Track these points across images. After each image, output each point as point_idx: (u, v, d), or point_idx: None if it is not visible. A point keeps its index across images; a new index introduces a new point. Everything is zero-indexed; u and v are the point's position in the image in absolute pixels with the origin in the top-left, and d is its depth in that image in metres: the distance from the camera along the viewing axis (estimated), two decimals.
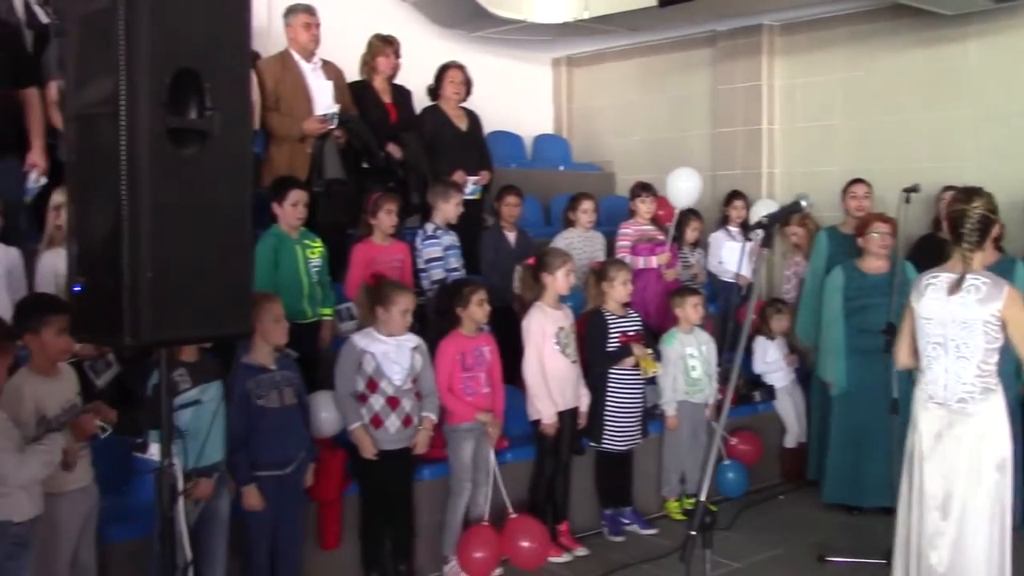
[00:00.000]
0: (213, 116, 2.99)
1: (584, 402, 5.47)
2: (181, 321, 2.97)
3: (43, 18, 5.80)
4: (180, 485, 3.15)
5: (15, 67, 5.05)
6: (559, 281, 5.34)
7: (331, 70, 6.22)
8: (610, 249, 6.94)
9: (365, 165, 6.17)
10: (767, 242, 3.19)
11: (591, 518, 5.79)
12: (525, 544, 4.99)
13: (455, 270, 5.93)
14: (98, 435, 3.67)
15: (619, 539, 5.72)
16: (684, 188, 6.89)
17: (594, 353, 5.54)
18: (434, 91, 6.83)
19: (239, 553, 4.32)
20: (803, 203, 3.37)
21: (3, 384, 3.42)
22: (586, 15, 8.06)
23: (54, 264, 4.67)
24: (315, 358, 5.25)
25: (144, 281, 2.84)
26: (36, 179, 5.06)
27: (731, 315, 7.06)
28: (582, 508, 5.71)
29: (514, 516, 5.05)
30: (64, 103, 5.20)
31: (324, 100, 6.04)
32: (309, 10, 6.07)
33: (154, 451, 3.27)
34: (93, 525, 3.84)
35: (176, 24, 2.92)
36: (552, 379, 5.29)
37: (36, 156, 5.10)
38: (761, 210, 7.13)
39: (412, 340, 4.84)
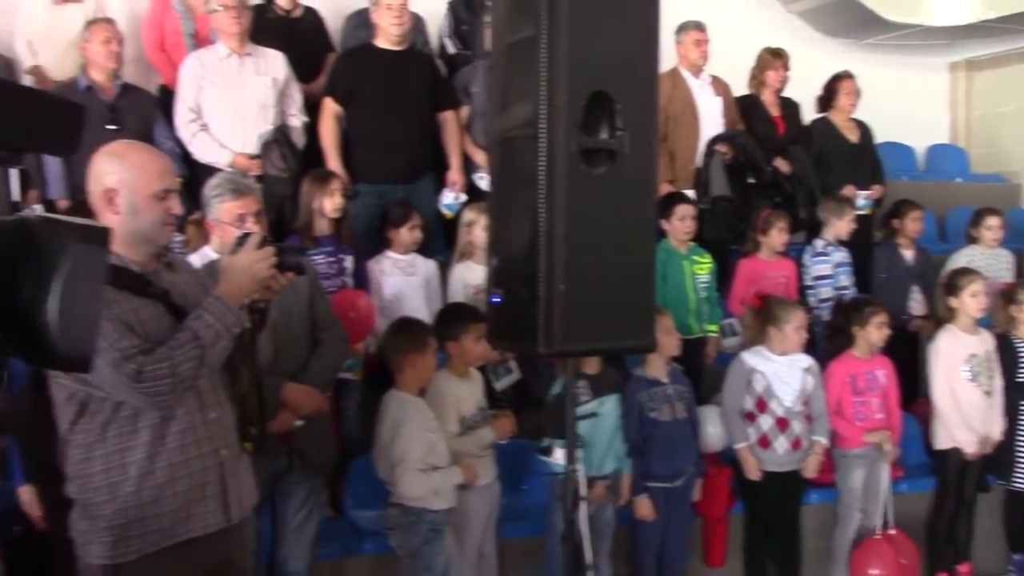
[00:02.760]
0: (623, 136, 3.09)
1: (995, 431, 5.02)
2: (590, 333, 3.08)
3: (451, 49, 6.31)
4: (583, 491, 3.28)
5: (433, 93, 5.52)
6: (967, 304, 4.95)
7: (719, 86, 6.22)
8: (1020, 268, 6.34)
9: (751, 180, 6.10)
10: None
11: (998, 562, 5.29)
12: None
13: (845, 288, 5.70)
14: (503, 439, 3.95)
15: None
16: None
17: (1004, 383, 5.07)
18: (825, 102, 6.61)
19: (627, 562, 4.43)
20: None
21: (429, 377, 3.77)
22: (992, 15, 7.44)
23: (464, 276, 5.04)
24: (699, 374, 5.25)
25: (558, 293, 2.98)
26: (456, 196, 5.49)
27: None
28: (987, 550, 5.24)
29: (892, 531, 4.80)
30: (471, 127, 5.69)
31: (712, 117, 6.06)
32: (699, 27, 6.12)
33: (559, 456, 3.42)
34: (495, 520, 4.10)
35: (592, 49, 3.04)
36: (962, 408, 4.91)
37: (455, 174, 5.54)
38: None
39: (804, 360, 4.70)
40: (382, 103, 5.31)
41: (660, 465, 4.33)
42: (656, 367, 4.41)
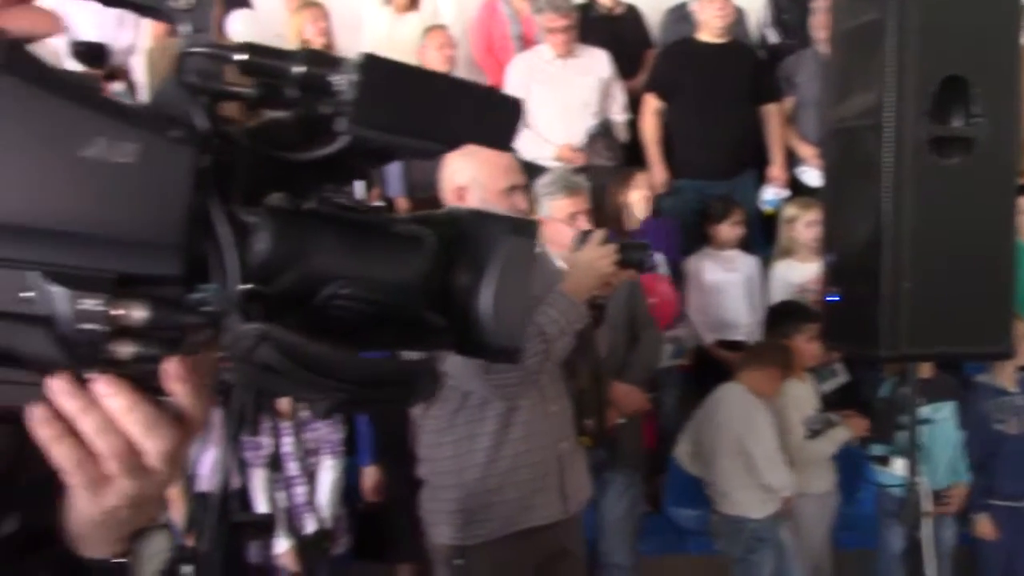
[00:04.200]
0: (980, 123, 2.84)
1: None
2: (937, 336, 2.87)
3: (772, 39, 6.11)
4: (927, 506, 3.06)
5: (755, 85, 5.38)
6: None
7: None
8: None
9: None
10: None
11: None
12: None
13: None
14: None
15: None
16: None
17: None
18: None
19: None
20: None
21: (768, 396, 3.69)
22: None
23: (785, 274, 4.86)
24: None
25: (903, 292, 2.79)
26: (778, 192, 5.33)
27: None
28: None
29: None
30: (795, 119, 5.49)
31: None
32: None
33: (897, 467, 3.21)
34: (830, 529, 3.92)
35: (946, 30, 2.83)
36: None
37: (778, 169, 5.38)
38: None
39: None
40: (703, 97, 5.25)
41: (1007, 482, 3.97)
42: (1005, 375, 4.03)
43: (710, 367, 4.61)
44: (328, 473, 3.51)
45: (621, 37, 5.75)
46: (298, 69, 0.59)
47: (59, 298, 0.57)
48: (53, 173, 0.55)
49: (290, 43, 5.28)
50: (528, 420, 2.42)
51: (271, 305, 0.59)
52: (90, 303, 0.57)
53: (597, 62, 5.29)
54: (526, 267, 0.68)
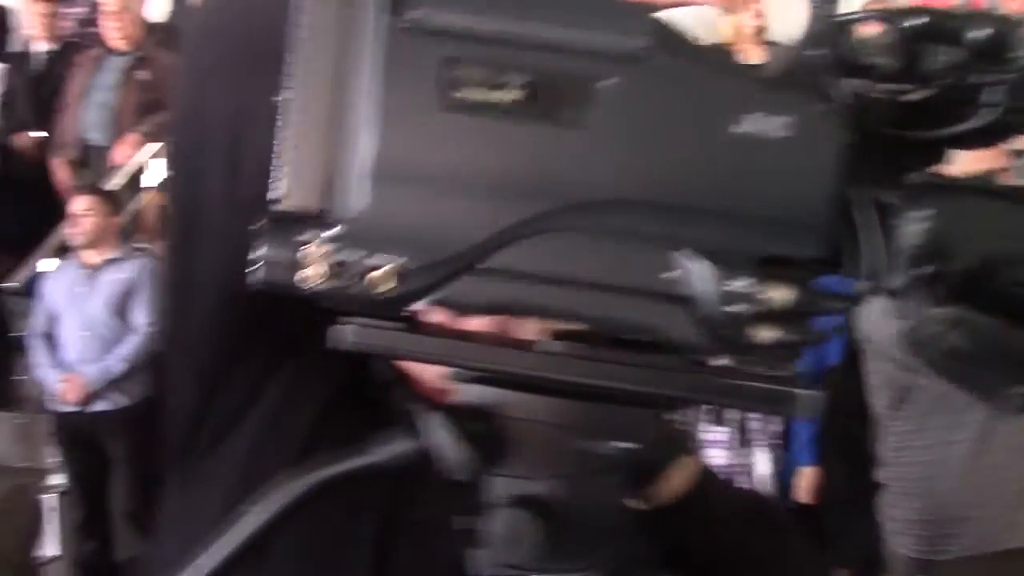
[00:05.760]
0: None
1: None
2: None
3: None
4: None
5: None
6: None
7: None
8: None
9: None
10: None
11: None
12: None
13: None
14: None
15: None
16: None
17: None
18: None
19: None
20: None
21: None
22: None
23: None
24: None
25: None
26: None
27: None
28: None
29: None
30: None
31: None
32: None
33: None
34: None
35: None
36: None
37: None
38: None
39: None
40: None
41: None
42: None
43: None
44: (761, 466, 3.44)
45: None
46: (978, 33, 0.53)
47: (706, 278, 0.55)
48: (705, 150, 0.54)
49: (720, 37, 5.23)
50: (1014, 430, 2.19)
51: (950, 289, 0.54)
52: (738, 284, 0.55)
53: None
54: None
